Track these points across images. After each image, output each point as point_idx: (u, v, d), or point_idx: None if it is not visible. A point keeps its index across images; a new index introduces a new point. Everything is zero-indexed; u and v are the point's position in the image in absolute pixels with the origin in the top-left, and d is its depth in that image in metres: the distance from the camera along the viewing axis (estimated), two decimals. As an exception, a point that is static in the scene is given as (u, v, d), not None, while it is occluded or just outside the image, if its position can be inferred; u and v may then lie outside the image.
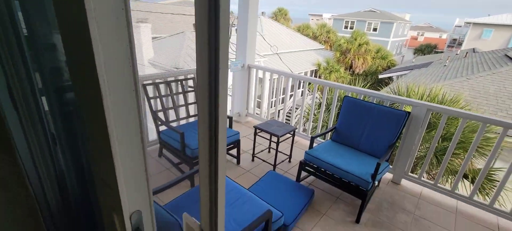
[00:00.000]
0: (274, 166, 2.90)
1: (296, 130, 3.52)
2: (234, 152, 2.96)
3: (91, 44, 0.30)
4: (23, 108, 0.68)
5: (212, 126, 0.39)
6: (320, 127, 3.56)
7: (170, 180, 1.97)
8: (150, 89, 2.77)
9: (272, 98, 4.29)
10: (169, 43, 12.38)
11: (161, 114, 2.78)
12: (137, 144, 0.38)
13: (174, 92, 2.93)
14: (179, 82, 3.00)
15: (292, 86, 11.39)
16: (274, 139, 2.94)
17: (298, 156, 3.16)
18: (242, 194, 1.82)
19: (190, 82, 3.12)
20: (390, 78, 14.29)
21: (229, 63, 3.61)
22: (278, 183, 2.51)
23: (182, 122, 3.09)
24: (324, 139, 3.51)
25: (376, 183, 2.45)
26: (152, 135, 3.08)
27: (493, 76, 8.16)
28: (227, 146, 2.76)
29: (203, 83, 0.38)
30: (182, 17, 16.95)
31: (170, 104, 2.92)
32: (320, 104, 3.45)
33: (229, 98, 4.05)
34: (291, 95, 12.15)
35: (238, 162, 2.97)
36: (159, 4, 17.55)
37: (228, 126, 2.96)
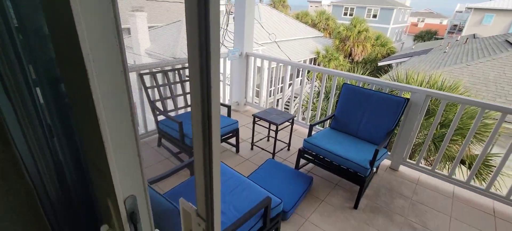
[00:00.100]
0: (273, 154, 2.91)
1: (295, 118, 3.52)
2: (233, 140, 2.97)
3: (73, 20, 0.28)
4: (16, 98, 0.66)
5: (204, 110, 0.38)
6: (319, 115, 3.56)
7: (169, 169, 1.98)
8: (147, 79, 2.75)
9: (270, 87, 4.27)
10: (166, 32, 12.20)
11: (159, 104, 2.77)
12: (128, 127, 0.37)
13: (171, 81, 2.91)
14: (176, 71, 2.97)
15: (291, 75, 11.33)
16: (273, 127, 2.94)
17: (297, 144, 3.17)
18: (241, 182, 1.84)
19: (188, 72, 3.09)
20: (389, 65, 14.21)
21: (226, 51, 3.57)
22: (277, 170, 2.53)
23: (181, 111, 3.07)
24: (323, 126, 3.52)
25: (374, 169, 2.47)
26: (151, 125, 3.07)
27: (493, 62, 8.12)
28: (226, 135, 2.77)
29: (194, 67, 0.37)
30: (178, 5, 16.65)
31: (168, 94, 2.90)
32: (319, 93, 3.43)
33: (227, 88, 4.02)
34: (290, 84, 12.10)
35: (237, 151, 2.98)
36: (155, -8, 17.18)
37: (226, 115, 2.95)
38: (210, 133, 0.37)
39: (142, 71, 2.70)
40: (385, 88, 2.82)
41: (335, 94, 3.45)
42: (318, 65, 15.37)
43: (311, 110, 5.48)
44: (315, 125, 2.64)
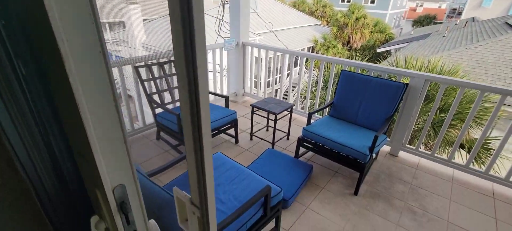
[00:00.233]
0: (273, 143, 2.90)
1: (294, 107, 3.50)
2: (232, 131, 2.96)
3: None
4: (6, 93, 0.64)
5: (192, 98, 0.36)
6: (318, 103, 3.54)
7: (168, 161, 1.98)
8: (143, 72, 2.71)
9: (268, 78, 4.23)
10: (161, 25, 12.03)
11: (156, 97, 2.74)
12: (111, 112, 0.35)
13: (168, 73, 2.87)
14: (172, 64, 2.93)
15: (289, 65, 11.24)
16: (272, 116, 2.92)
17: (296, 133, 3.16)
18: (241, 172, 1.83)
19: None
20: (388, 52, 14.10)
21: (223, 42, 3.52)
22: (277, 159, 2.53)
23: (178, 104, 3.05)
24: (322, 115, 3.50)
25: (374, 155, 2.48)
26: (149, 118, 3.05)
27: (492, 45, 8.05)
28: (225, 126, 2.75)
29: (180, 59, 0.35)
30: (173, -3, 16.34)
31: (165, 87, 2.87)
32: (317, 82, 3.40)
33: (224, 79, 3.98)
34: (288, 74, 12.02)
35: (237, 141, 2.98)
36: (149, -16, 16.84)
37: (224, 106, 2.93)
38: (199, 121, 0.36)
39: (137, 64, 2.66)
40: (383, 74, 2.80)
41: (333, 83, 3.42)
42: (316, 53, 15.23)
43: (310, 99, 5.46)
44: (314, 113, 2.63)
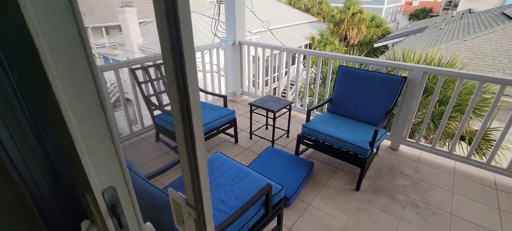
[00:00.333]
0: (273, 142, 2.89)
1: (293, 105, 3.48)
2: (231, 131, 2.94)
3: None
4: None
5: (182, 98, 0.34)
6: (317, 100, 3.53)
7: (167, 163, 1.96)
8: (140, 74, 2.69)
9: (266, 77, 4.21)
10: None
11: (154, 99, 2.72)
12: (97, 111, 0.33)
13: (164, 75, 2.85)
14: (169, 65, 2.91)
15: (286, 63, 11.22)
16: (271, 115, 2.91)
17: (296, 130, 3.14)
18: (241, 171, 1.81)
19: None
20: (385, 46, 14.09)
21: (219, 41, 3.49)
22: (277, 157, 2.51)
23: (176, 105, 3.03)
24: (321, 111, 3.49)
25: (375, 150, 2.46)
26: (148, 120, 3.03)
27: (489, 36, 8.04)
28: (223, 126, 2.73)
29: (168, 60, 0.33)
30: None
31: (163, 88, 2.85)
32: (315, 79, 3.39)
33: (222, 79, 3.96)
34: (285, 73, 12.00)
35: (236, 141, 2.96)
36: (144, -14, 16.78)
37: (223, 106, 2.91)
38: (190, 118, 0.34)
39: (133, 66, 2.63)
40: (381, 68, 2.78)
41: (331, 79, 3.40)
42: (313, 50, 15.17)
43: (309, 96, 5.44)
44: (312, 109, 2.61)
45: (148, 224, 0.56)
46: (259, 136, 3.06)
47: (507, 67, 6.82)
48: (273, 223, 1.77)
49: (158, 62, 2.83)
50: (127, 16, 10.76)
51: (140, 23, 11.91)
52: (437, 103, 4.26)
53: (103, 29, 14.91)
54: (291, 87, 12.05)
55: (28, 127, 0.68)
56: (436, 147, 2.66)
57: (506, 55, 7.19)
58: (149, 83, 2.73)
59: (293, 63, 12.19)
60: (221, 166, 1.88)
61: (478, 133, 2.43)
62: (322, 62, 5.81)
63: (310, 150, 2.78)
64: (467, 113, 2.42)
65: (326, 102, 2.80)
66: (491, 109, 2.31)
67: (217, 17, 4.26)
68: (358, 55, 3.38)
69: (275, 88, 11.33)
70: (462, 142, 4.37)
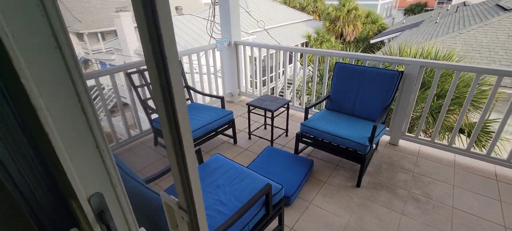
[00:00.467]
0: (272, 141, 2.87)
1: (291, 104, 3.47)
2: (229, 132, 2.92)
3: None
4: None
5: (167, 101, 0.33)
6: (314, 98, 3.52)
7: (166, 167, 1.93)
8: (135, 78, 2.67)
9: (263, 77, 4.20)
10: (153, 31, 11.95)
11: (150, 103, 2.70)
12: (77, 114, 0.32)
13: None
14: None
15: (283, 62, 11.19)
16: (269, 114, 2.89)
17: (295, 129, 3.13)
18: (241, 172, 1.80)
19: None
20: (382, 42, 14.10)
21: (215, 42, 3.48)
22: (277, 157, 2.50)
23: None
24: (319, 109, 3.48)
25: (374, 146, 2.45)
26: (145, 124, 3.01)
27: (485, 28, 8.06)
28: (221, 127, 2.72)
29: (150, 64, 0.32)
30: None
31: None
32: (313, 77, 3.37)
33: (219, 80, 3.95)
34: (283, 72, 11.98)
35: (235, 142, 2.94)
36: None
37: (220, 107, 2.89)
38: (175, 119, 0.32)
39: (129, 71, 2.61)
40: (378, 63, 2.77)
41: (329, 77, 3.39)
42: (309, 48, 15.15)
43: (307, 94, 5.43)
44: (310, 107, 2.60)
45: (142, 229, 0.55)
46: (258, 136, 3.05)
47: (503, 59, 6.84)
48: (275, 223, 1.75)
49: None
50: (123, 20, 10.73)
51: (135, 27, 11.88)
52: (435, 97, 4.26)
53: (99, 35, 14.86)
54: (288, 86, 12.04)
55: (21, 133, 0.66)
56: (436, 141, 2.65)
57: (502, 46, 7.21)
58: (145, 87, 2.71)
59: (290, 62, 12.18)
60: (220, 167, 1.86)
61: (477, 125, 2.42)
62: (319, 60, 5.81)
63: (310, 148, 2.77)
64: (465, 106, 2.41)
65: (324, 99, 2.79)
66: (489, 101, 2.30)
67: (212, 19, 4.24)
68: (355, 51, 3.37)
69: (272, 88, 11.33)
70: (461, 135, 4.37)
